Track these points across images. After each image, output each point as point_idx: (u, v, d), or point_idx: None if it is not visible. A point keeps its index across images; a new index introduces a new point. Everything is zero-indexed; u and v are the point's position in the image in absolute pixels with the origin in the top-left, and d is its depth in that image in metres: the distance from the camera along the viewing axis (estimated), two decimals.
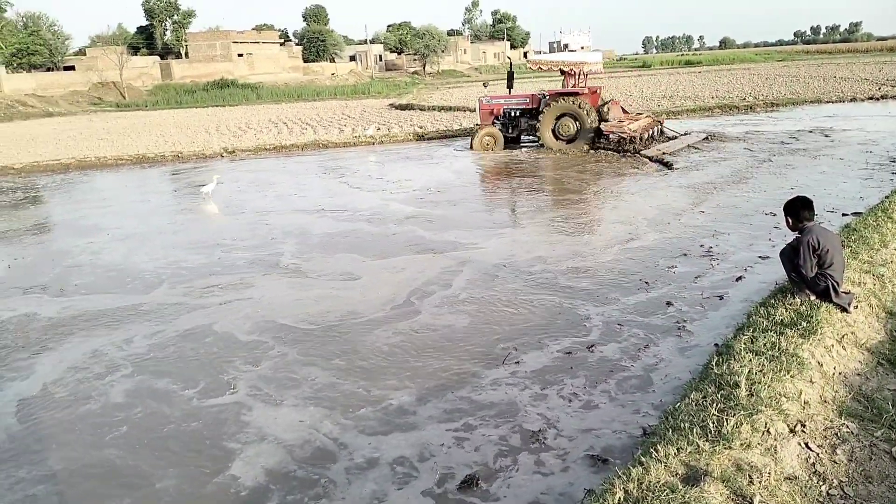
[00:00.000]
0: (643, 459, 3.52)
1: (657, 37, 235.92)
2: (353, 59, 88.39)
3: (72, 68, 60.91)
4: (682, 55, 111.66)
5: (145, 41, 76.44)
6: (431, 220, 10.63)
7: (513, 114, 18.52)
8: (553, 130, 17.39)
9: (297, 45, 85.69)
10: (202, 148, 21.45)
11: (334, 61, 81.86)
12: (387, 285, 7.55)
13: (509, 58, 21.94)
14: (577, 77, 18.18)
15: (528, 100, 18.51)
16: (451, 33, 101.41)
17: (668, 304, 6.53)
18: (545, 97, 18.05)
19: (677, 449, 3.51)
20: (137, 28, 78.24)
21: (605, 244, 8.73)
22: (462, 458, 4.20)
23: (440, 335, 6.08)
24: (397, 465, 4.18)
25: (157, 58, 68.56)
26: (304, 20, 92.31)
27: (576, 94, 17.45)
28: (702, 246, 8.40)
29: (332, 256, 8.88)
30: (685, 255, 8.09)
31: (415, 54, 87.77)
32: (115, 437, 4.64)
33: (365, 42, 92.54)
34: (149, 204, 13.71)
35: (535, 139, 18.18)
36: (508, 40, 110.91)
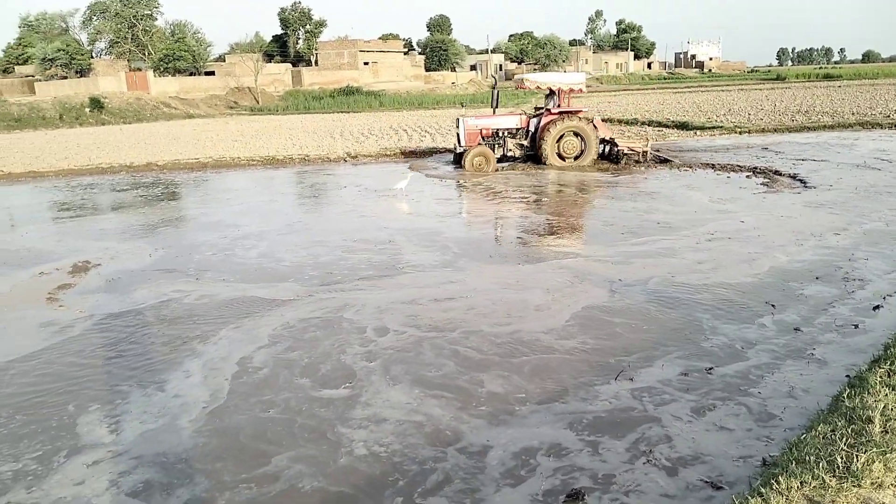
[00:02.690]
0: (763, 490, 3.38)
1: (793, 48, 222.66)
2: (473, 68, 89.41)
3: (212, 73, 65.14)
4: (821, 68, 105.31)
5: (279, 49, 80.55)
6: (547, 230, 10.60)
7: (500, 134, 18.11)
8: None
9: (419, 54, 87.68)
10: (327, 152, 22.36)
11: (455, 70, 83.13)
12: (502, 292, 7.59)
13: (494, 77, 20.98)
14: (560, 97, 18.00)
15: (517, 120, 18.20)
16: (573, 43, 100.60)
17: (797, 329, 6.20)
18: (536, 117, 17.91)
19: (801, 482, 3.35)
20: (273, 37, 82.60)
21: (728, 262, 8.38)
22: (570, 468, 4.17)
23: (556, 344, 6.05)
24: (507, 465, 4.21)
25: (290, 65, 72.11)
26: (428, 30, 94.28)
27: (578, 112, 17.57)
28: (836, 270, 7.92)
29: (447, 259, 9.02)
30: (817, 278, 7.64)
31: (535, 64, 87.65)
32: (243, 417, 4.93)
33: (486, 52, 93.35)
34: (275, 203, 14.44)
35: (508, 158, 18.10)
36: (632, 50, 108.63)
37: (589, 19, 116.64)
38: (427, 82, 74.36)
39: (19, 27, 72.71)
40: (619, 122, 29.35)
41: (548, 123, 17.49)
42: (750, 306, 6.85)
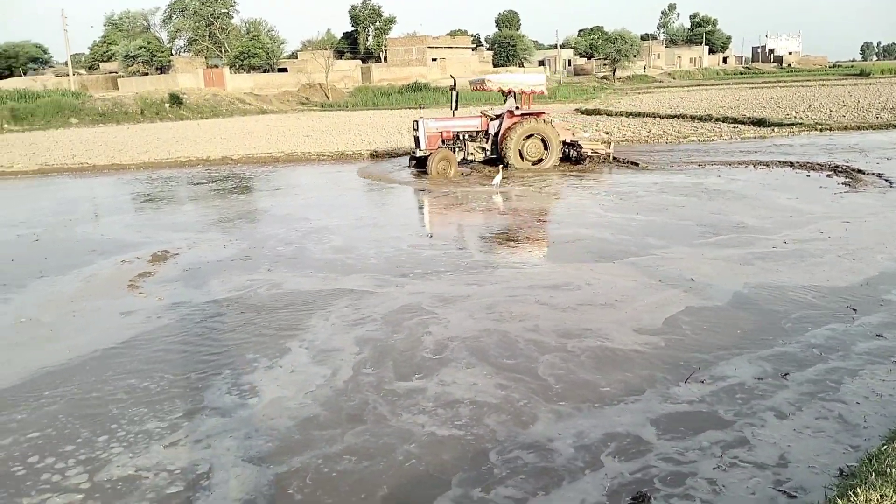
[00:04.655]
0: (839, 502, 3.26)
1: (878, 42, 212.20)
2: (541, 63, 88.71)
3: (284, 70, 66.67)
4: None
5: (349, 46, 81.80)
6: (628, 230, 10.44)
7: (460, 137, 17.41)
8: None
9: (487, 49, 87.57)
10: (394, 147, 22.58)
11: (523, 66, 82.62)
12: (578, 288, 7.51)
13: (453, 76, 19.60)
14: (521, 98, 17.62)
15: (478, 122, 17.60)
16: (644, 38, 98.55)
17: (879, 336, 5.93)
18: (497, 119, 17.38)
19: (881, 495, 3.21)
20: (343, 34, 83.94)
21: (809, 264, 8.07)
22: (636, 469, 4.10)
23: (627, 341, 5.96)
24: (573, 459, 4.18)
25: (360, 61, 73.18)
26: (497, 25, 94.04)
27: (540, 114, 17.17)
28: None
29: (520, 254, 8.99)
30: None
31: (605, 59, 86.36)
32: (311, 406, 5.04)
33: (554, 47, 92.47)
34: (344, 197, 14.70)
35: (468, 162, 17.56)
36: (707, 44, 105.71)
37: (662, 13, 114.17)
38: None
39: (104, 25, 76.13)
40: (692, 118, 28.65)
41: (511, 126, 16.99)
42: (831, 310, 6.58)
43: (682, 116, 29.51)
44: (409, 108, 48.19)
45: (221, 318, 7.10)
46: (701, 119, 28.11)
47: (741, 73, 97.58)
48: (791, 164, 16.02)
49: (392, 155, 21.51)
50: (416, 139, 17.21)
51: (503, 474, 4.13)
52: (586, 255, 8.97)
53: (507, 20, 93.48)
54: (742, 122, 26.07)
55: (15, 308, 7.70)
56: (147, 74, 61.32)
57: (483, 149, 17.44)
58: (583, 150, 17.60)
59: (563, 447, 4.39)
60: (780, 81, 67.32)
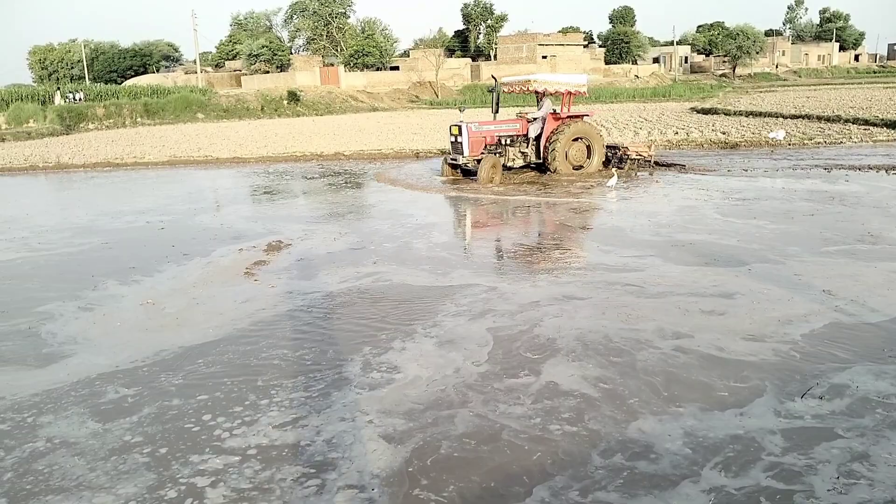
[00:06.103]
0: None
1: None
2: (656, 60, 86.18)
3: (396, 69, 68.06)
4: None
5: (460, 44, 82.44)
6: (756, 238, 10.02)
7: (503, 141, 16.27)
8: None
9: (600, 46, 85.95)
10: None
11: (636, 63, 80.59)
12: (693, 295, 7.30)
13: (494, 77, 18.15)
14: (563, 99, 16.86)
15: (518, 126, 16.56)
16: (768, 33, 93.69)
17: None
18: (536, 122, 16.42)
19: None
20: (455, 32, 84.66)
21: None
22: (742, 485, 3.93)
23: (741, 349, 5.74)
24: (678, 466, 4.07)
25: (469, 60, 73.65)
26: (611, 22, 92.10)
27: (583, 116, 16.48)
28: None
29: (636, 258, 8.81)
30: None
31: (725, 56, 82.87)
32: (439, 392, 5.14)
33: (671, 43, 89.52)
34: (445, 194, 14.85)
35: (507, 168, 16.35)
36: (837, 41, 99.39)
37: (788, 7, 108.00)
38: (606, 76, 72.74)
39: (230, 25, 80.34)
40: (819, 119, 27.04)
41: (555, 129, 16.09)
42: None
43: (808, 117, 27.89)
44: (516, 106, 48.00)
45: (349, 306, 7.37)
46: (828, 120, 26.47)
47: (874, 72, 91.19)
48: None
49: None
50: (457, 144, 16.22)
51: (605, 473, 4.08)
52: (710, 260, 8.64)
53: (622, 16, 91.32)
54: (874, 125, 24.33)
55: (145, 290, 8.28)
56: (268, 72, 64.25)
57: (524, 153, 16.37)
58: (628, 152, 17.07)
59: (668, 453, 4.28)
60: None
